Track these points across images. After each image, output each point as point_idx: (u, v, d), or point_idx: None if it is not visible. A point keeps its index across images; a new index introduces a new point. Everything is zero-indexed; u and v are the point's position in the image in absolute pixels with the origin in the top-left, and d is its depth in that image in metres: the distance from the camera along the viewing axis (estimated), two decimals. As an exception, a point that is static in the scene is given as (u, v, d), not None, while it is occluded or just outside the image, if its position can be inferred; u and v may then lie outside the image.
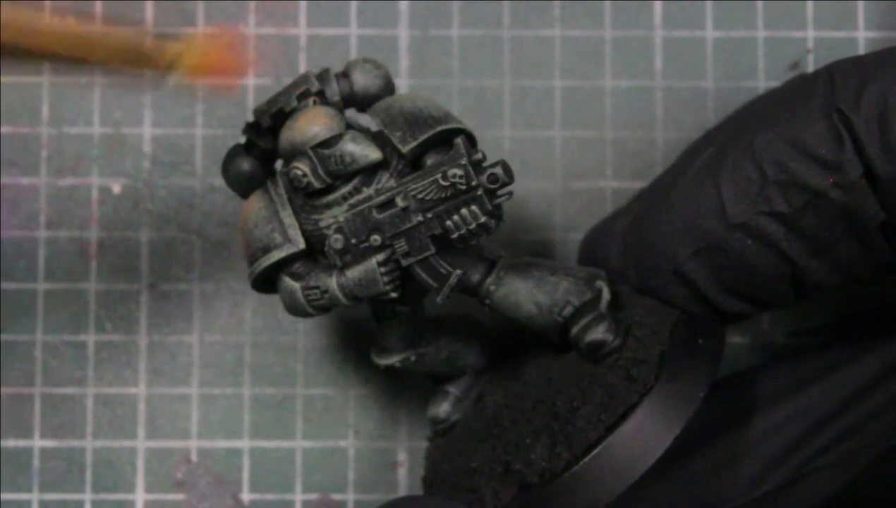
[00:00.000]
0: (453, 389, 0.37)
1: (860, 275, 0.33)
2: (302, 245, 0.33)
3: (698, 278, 0.33)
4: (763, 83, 0.42)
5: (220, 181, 0.41)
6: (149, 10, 0.42)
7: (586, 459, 0.31)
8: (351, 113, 0.34)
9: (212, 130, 0.42)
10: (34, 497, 0.41)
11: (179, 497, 0.41)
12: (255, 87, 0.42)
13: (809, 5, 0.42)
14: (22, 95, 0.42)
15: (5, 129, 0.42)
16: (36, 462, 0.41)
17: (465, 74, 0.42)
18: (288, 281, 0.33)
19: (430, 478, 0.36)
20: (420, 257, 0.32)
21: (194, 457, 0.41)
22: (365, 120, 0.34)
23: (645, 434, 0.31)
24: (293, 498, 0.41)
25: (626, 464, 0.30)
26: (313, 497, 0.41)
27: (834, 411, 0.34)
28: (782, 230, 0.32)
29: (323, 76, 0.34)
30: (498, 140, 0.42)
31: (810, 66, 0.42)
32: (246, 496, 0.41)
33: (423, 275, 0.32)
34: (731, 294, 0.33)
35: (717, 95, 0.42)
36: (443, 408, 0.37)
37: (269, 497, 0.41)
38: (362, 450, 0.41)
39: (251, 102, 0.42)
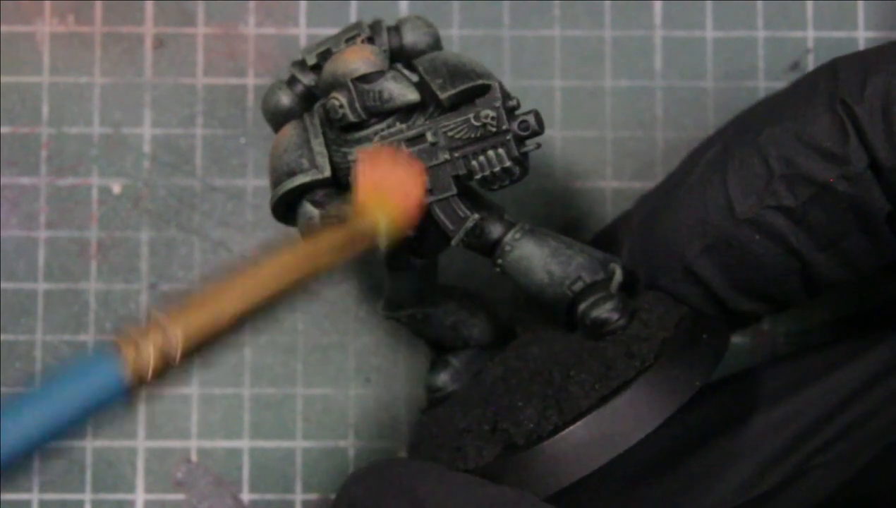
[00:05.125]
0: (454, 360, 0.37)
1: (867, 269, 0.33)
2: (328, 172, 0.33)
3: (708, 275, 0.33)
4: (763, 83, 0.42)
5: (220, 181, 0.42)
6: (149, 10, 0.42)
7: (574, 426, 0.30)
8: (397, 66, 0.35)
9: (212, 130, 0.42)
10: (34, 497, 0.41)
11: (179, 497, 0.41)
12: (254, 87, 0.42)
13: (809, 5, 0.42)
14: (22, 95, 0.42)
15: (5, 129, 0.42)
16: (36, 462, 0.41)
17: (465, 74, 0.42)
18: (308, 207, 0.33)
19: (416, 442, 0.36)
20: (441, 197, 0.32)
21: (194, 457, 0.41)
22: (407, 73, 0.34)
23: (636, 411, 0.30)
24: (293, 498, 0.41)
25: (612, 438, 0.30)
26: (313, 497, 0.41)
27: (834, 409, 0.34)
28: (790, 224, 0.32)
29: (375, 26, 0.34)
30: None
31: (810, 66, 0.42)
32: (246, 496, 0.41)
33: (441, 216, 0.33)
34: (741, 291, 0.33)
35: (717, 95, 0.42)
36: (441, 378, 0.37)
37: (269, 497, 0.41)
38: (362, 450, 0.41)
39: (251, 102, 0.42)
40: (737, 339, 0.41)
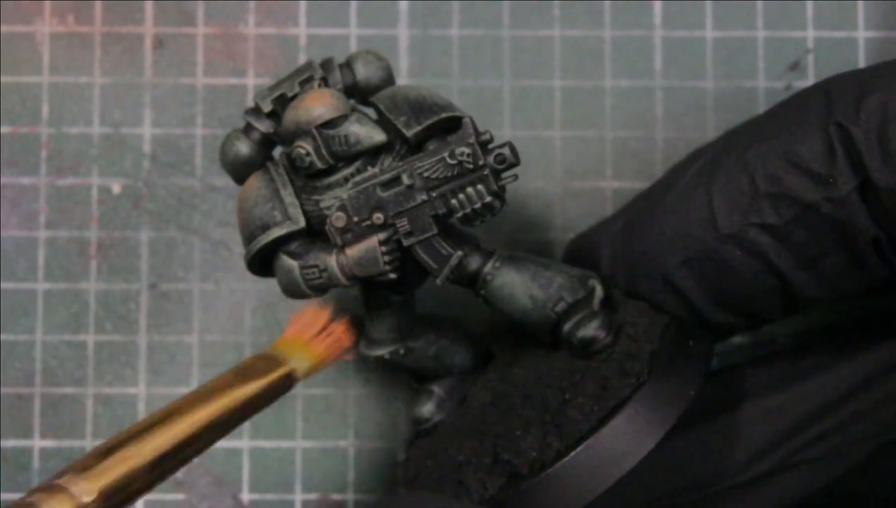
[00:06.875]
0: (438, 389, 0.37)
1: (849, 290, 0.32)
2: (302, 223, 0.33)
3: (687, 287, 0.33)
4: (763, 83, 0.42)
5: (220, 181, 0.42)
6: (149, 10, 0.42)
7: (577, 450, 0.31)
8: (359, 108, 0.35)
9: (211, 130, 0.42)
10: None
11: (179, 497, 0.41)
12: (254, 87, 0.42)
13: (809, 5, 0.42)
14: (22, 95, 0.42)
15: (5, 129, 0.42)
16: (36, 462, 0.41)
17: (465, 74, 0.42)
18: (286, 259, 0.33)
19: (412, 476, 0.35)
20: (422, 237, 0.32)
21: (194, 457, 0.41)
22: (367, 112, 0.34)
23: (636, 428, 0.31)
24: (293, 498, 0.41)
25: (617, 457, 0.30)
26: (313, 497, 0.41)
27: (828, 405, 0.34)
28: (772, 242, 0.32)
29: (326, 65, 0.34)
30: (498, 140, 0.42)
31: (810, 67, 0.42)
32: (246, 496, 0.41)
33: (424, 256, 0.32)
34: (718, 304, 0.33)
35: (717, 95, 0.42)
36: (427, 408, 0.37)
37: (269, 497, 0.41)
38: (362, 450, 0.41)
39: (251, 102, 0.42)
40: (737, 339, 0.41)
